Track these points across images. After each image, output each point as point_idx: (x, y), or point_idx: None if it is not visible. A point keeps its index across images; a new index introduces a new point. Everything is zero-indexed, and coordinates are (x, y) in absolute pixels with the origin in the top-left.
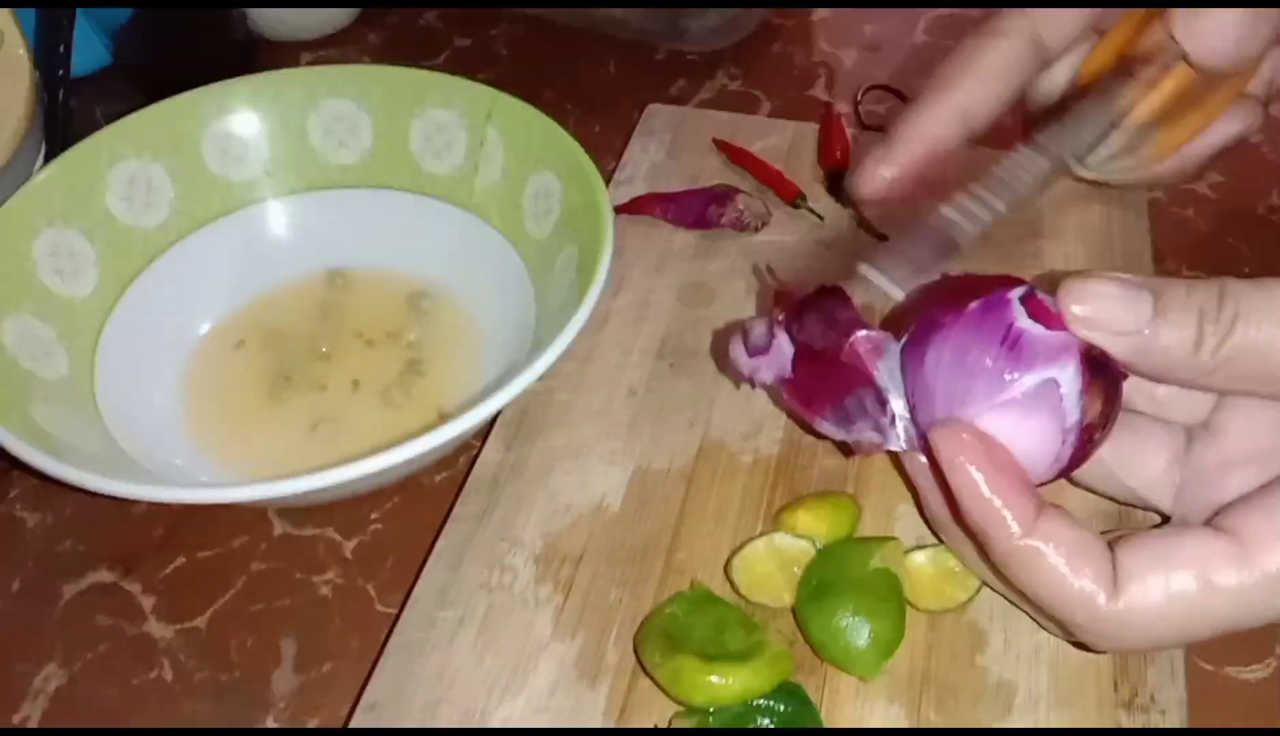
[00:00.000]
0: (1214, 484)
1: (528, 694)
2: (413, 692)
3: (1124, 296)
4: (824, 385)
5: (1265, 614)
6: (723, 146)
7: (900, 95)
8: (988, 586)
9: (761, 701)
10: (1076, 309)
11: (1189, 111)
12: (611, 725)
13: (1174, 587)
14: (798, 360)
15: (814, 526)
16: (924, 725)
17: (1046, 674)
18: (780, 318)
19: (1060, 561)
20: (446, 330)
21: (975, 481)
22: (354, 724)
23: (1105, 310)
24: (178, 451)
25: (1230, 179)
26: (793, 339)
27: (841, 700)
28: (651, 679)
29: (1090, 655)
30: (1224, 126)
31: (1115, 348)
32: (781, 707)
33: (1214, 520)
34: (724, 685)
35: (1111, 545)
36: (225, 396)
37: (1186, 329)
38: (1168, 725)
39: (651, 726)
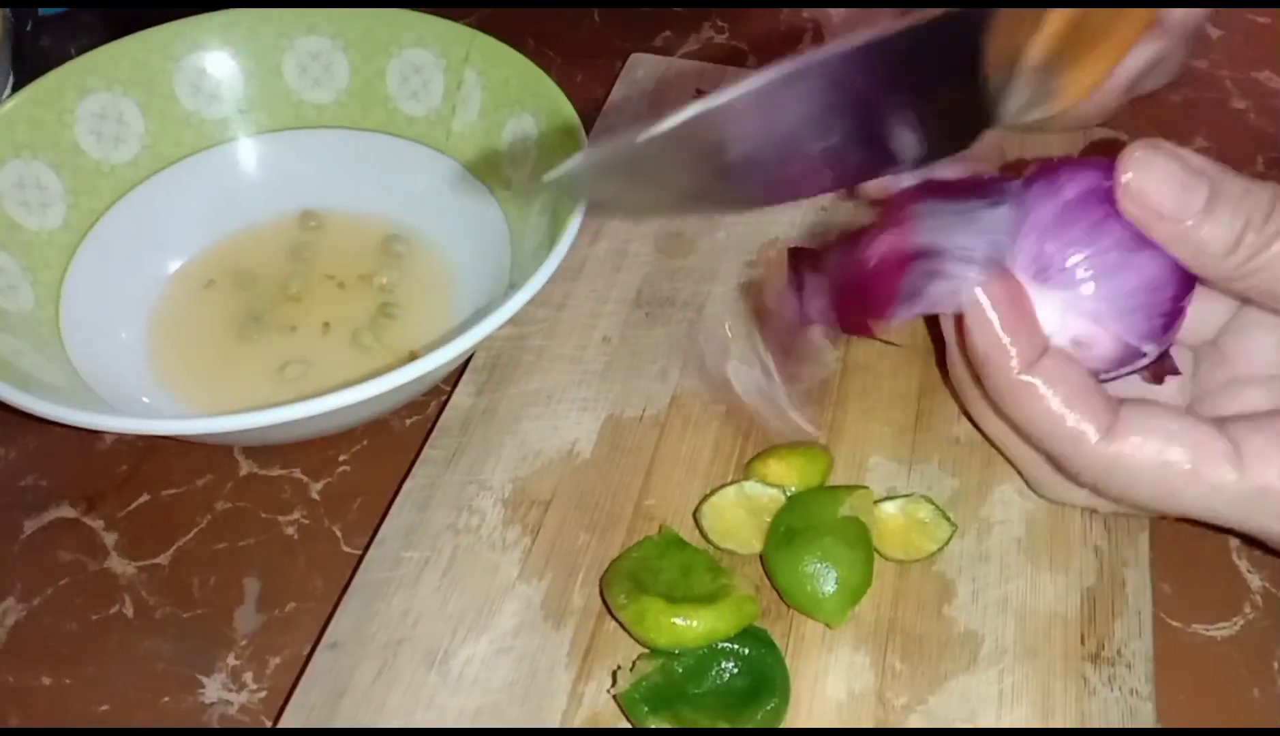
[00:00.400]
0: (1222, 402)
1: (492, 634)
2: (375, 631)
3: (1181, 181)
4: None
5: (1236, 521)
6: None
7: None
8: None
9: (726, 644)
10: (1129, 178)
11: (1091, 49)
12: (576, 666)
13: (1166, 459)
14: (836, 292)
15: (785, 475)
16: (889, 673)
17: (1013, 625)
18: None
19: (1057, 397)
20: (420, 274)
21: (989, 315)
22: (315, 662)
23: (1158, 189)
24: (144, 389)
25: (1216, 144)
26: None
27: (807, 646)
28: (616, 620)
29: (1057, 607)
30: (1139, 53)
31: (1151, 228)
32: (746, 651)
33: (1223, 424)
34: (688, 627)
35: (1120, 401)
36: (193, 336)
37: (1228, 231)
38: (1134, 679)
39: (615, 667)
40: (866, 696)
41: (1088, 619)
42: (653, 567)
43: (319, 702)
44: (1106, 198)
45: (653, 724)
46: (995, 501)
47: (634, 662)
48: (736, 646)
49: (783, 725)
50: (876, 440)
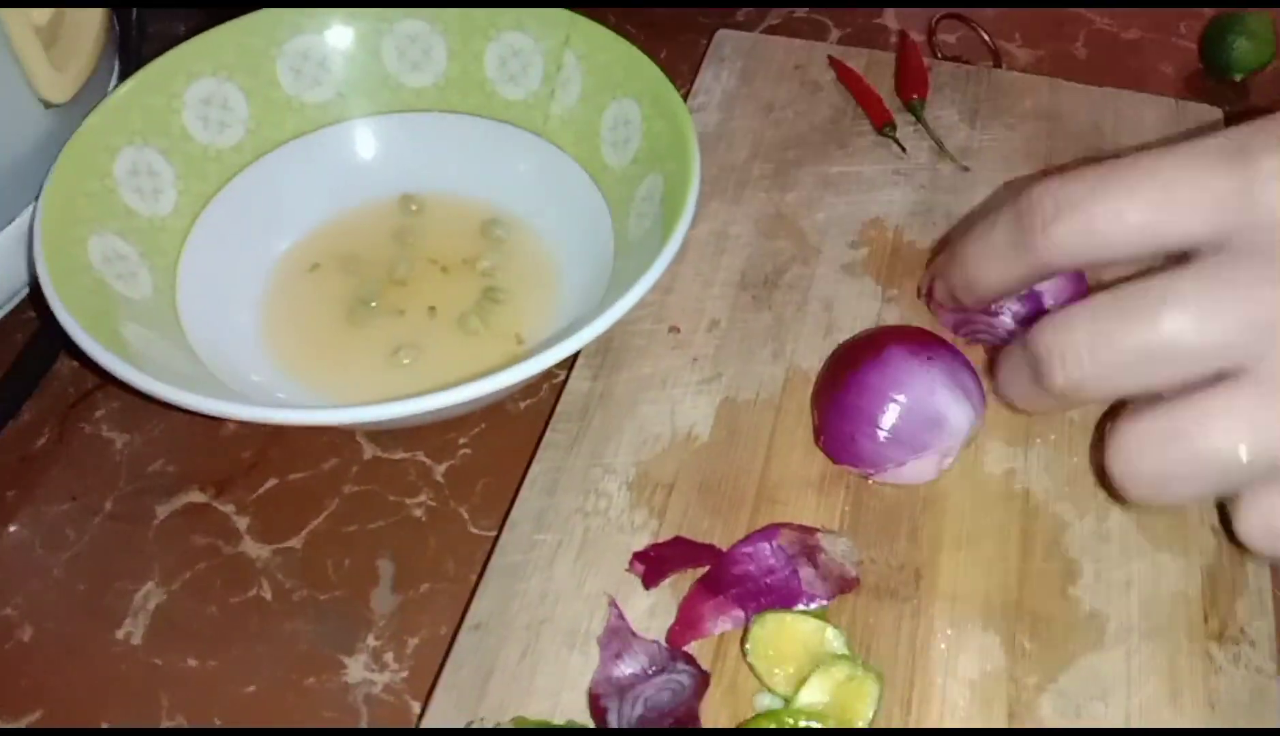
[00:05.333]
0: None
1: (629, 615)
2: (516, 613)
3: None
4: None
5: None
6: (833, 62)
7: (973, 25)
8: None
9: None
10: None
11: None
12: (712, 645)
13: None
14: None
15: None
16: (1019, 653)
17: (1137, 605)
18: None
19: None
20: (522, 258)
21: None
22: (460, 643)
23: None
24: (260, 372)
25: None
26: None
27: (937, 628)
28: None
29: (1179, 587)
30: None
31: None
32: None
33: None
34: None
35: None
36: (305, 319)
37: None
38: (1259, 657)
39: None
40: (998, 676)
41: (1209, 598)
42: None
43: (467, 682)
44: None
45: None
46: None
47: None
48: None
49: (914, 705)
50: (990, 422)
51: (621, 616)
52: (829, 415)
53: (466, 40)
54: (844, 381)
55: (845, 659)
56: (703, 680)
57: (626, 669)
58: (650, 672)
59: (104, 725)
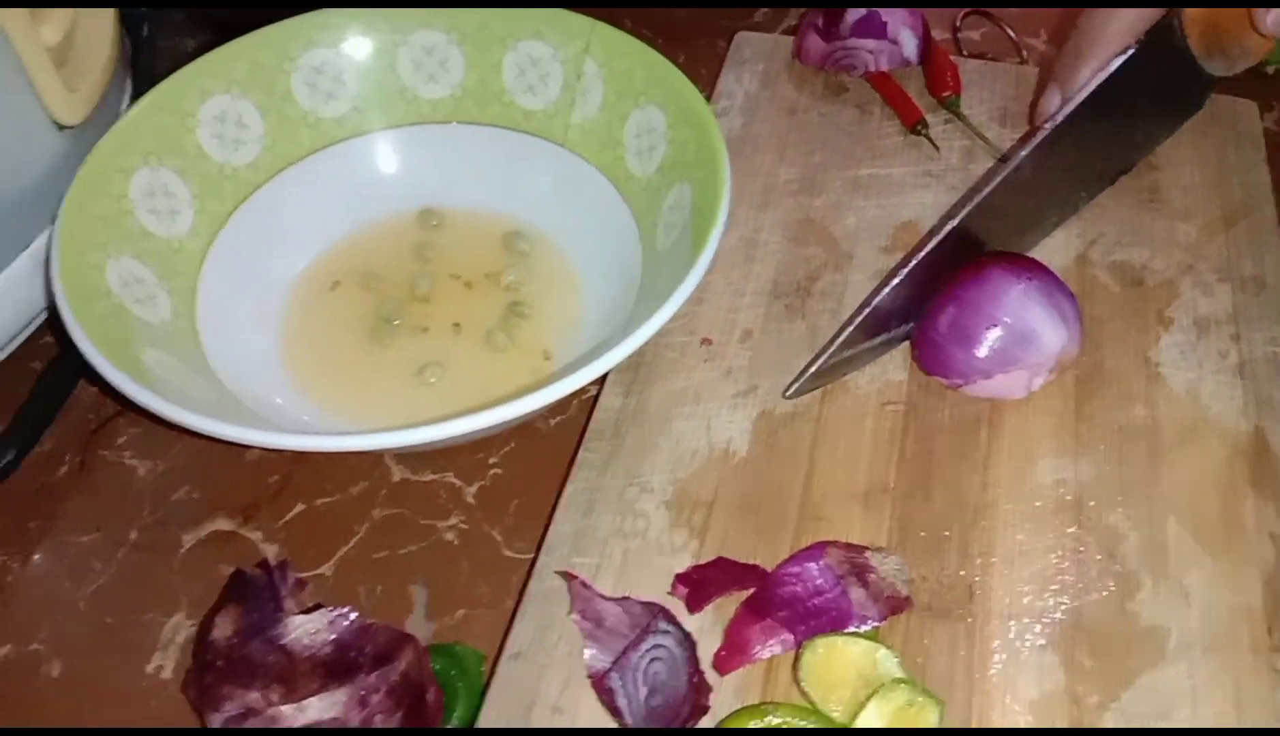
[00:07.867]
0: None
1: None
2: (556, 640)
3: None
4: None
5: None
6: None
7: (998, 22)
8: None
9: None
10: None
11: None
12: (761, 672)
13: None
14: None
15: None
16: (1078, 670)
17: (1198, 618)
18: None
19: None
20: (546, 271)
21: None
22: (500, 673)
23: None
24: (283, 395)
25: None
26: None
27: (993, 647)
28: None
29: (1239, 598)
30: None
31: None
32: None
33: None
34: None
35: None
36: (327, 338)
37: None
38: None
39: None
40: (1058, 695)
41: (1272, 610)
42: None
43: (511, 713)
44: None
45: None
46: (1164, 491)
47: None
48: None
49: (974, 725)
50: (1038, 433)
51: (586, 584)
52: (923, 325)
53: (484, 50)
54: (942, 294)
55: (904, 683)
56: (688, 640)
57: (612, 639)
58: (632, 634)
59: None
